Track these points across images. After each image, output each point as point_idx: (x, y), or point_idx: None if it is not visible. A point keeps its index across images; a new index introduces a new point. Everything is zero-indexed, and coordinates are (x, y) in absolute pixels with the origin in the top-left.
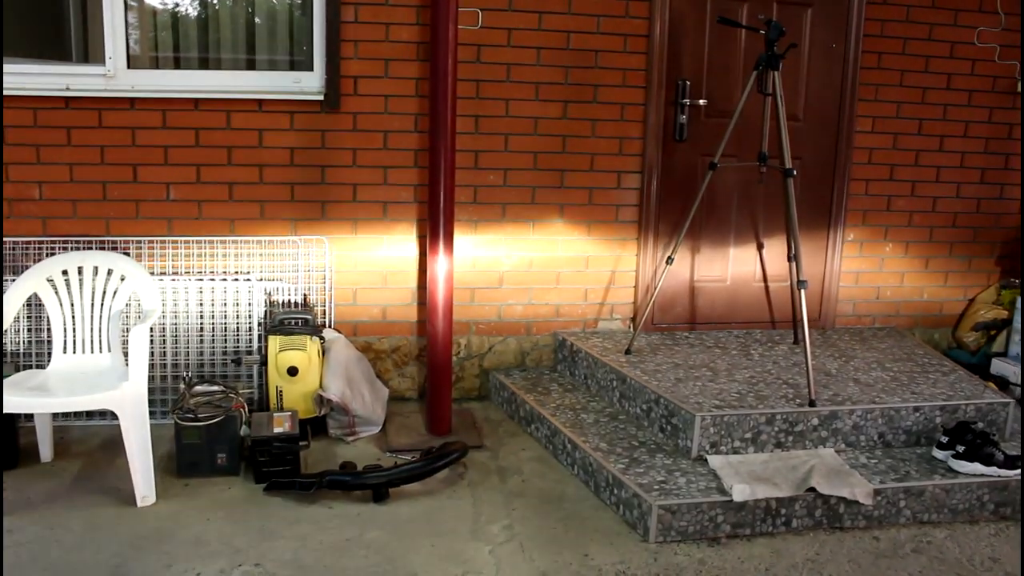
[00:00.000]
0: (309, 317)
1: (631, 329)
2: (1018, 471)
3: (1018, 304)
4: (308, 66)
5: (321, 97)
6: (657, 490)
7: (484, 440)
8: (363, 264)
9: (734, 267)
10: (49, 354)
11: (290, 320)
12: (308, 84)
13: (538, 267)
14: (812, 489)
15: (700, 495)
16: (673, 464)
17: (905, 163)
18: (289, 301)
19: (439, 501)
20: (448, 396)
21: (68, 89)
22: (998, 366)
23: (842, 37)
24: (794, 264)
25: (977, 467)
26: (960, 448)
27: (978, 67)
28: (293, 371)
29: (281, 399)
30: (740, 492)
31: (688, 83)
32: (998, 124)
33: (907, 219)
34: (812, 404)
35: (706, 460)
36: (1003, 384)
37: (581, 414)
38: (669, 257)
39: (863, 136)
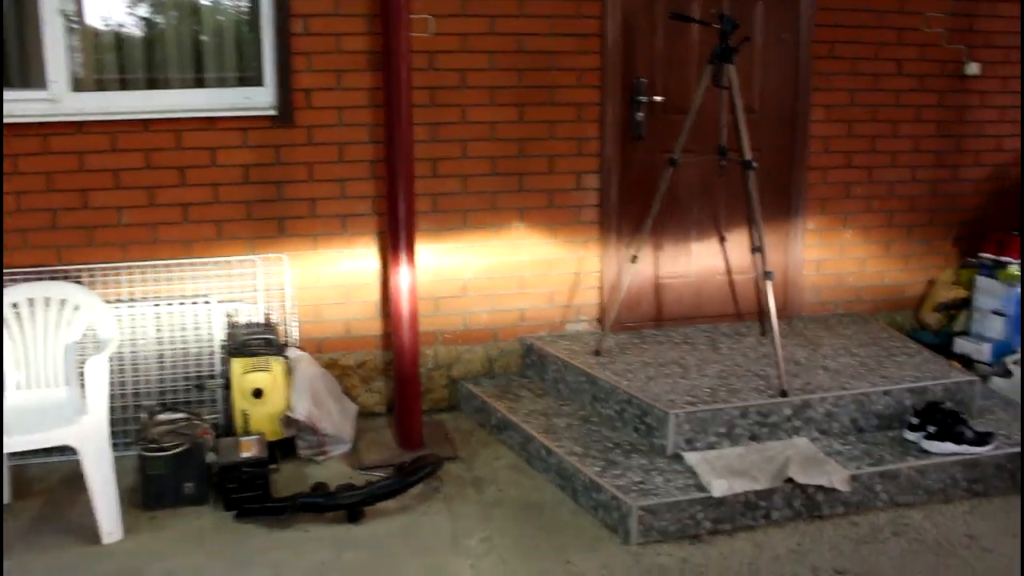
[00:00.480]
0: (272, 337)
1: (598, 330)
2: (988, 447)
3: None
4: (259, 81)
5: (273, 112)
6: (635, 491)
7: (457, 451)
8: (325, 280)
9: (698, 262)
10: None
11: (253, 341)
12: (259, 99)
13: (502, 273)
14: (790, 479)
15: (679, 493)
16: (649, 464)
17: (861, 150)
18: (251, 322)
19: (415, 517)
20: (418, 409)
21: (10, 116)
22: (961, 345)
23: (794, 27)
24: (758, 256)
25: (948, 446)
26: (931, 429)
27: (927, 52)
28: (258, 393)
29: (247, 422)
30: (719, 487)
31: (644, 81)
32: (949, 107)
33: (865, 205)
34: (784, 394)
35: (682, 458)
36: (967, 362)
37: (553, 419)
38: (633, 256)
39: (819, 125)
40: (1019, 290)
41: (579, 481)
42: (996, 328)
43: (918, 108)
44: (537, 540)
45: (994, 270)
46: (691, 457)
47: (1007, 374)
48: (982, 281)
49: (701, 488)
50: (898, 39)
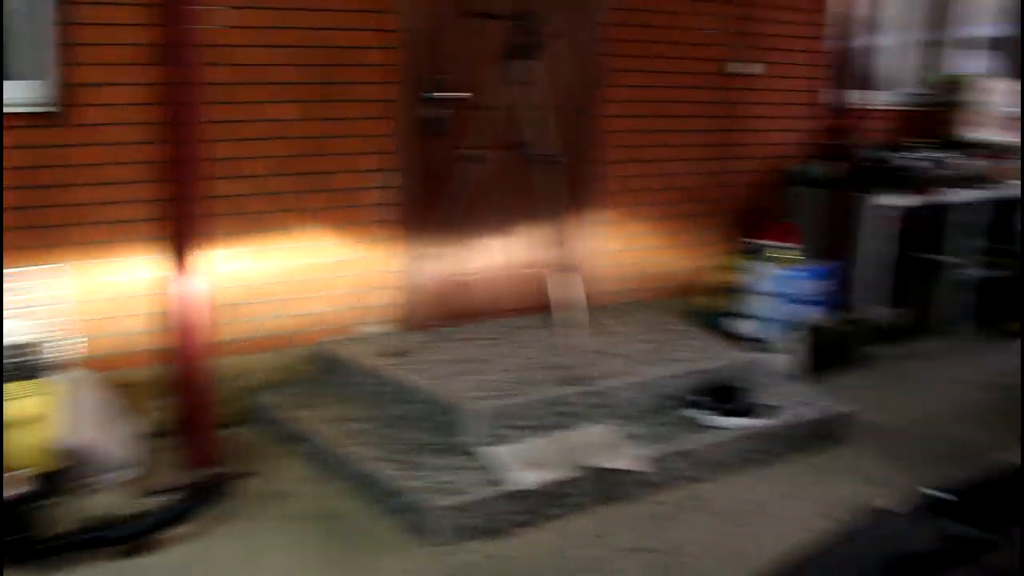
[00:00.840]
0: (46, 357)
1: (398, 331)
2: (769, 419)
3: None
4: (30, 74)
5: (48, 109)
6: (440, 491)
7: (254, 466)
8: (108, 291)
9: (499, 257)
10: None
11: (22, 363)
12: (30, 95)
13: (298, 277)
14: (592, 466)
15: (483, 490)
16: (454, 462)
17: (649, 144)
18: (22, 342)
19: (211, 540)
20: (210, 424)
21: None
22: (736, 324)
23: (589, 24)
24: (556, 250)
25: (735, 421)
26: (718, 406)
27: (709, 51)
28: (27, 421)
29: (14, 456)
30: (522, 480)
31: (447, 77)
32: (723, 103)
33: (652, 197)
34: (583, 383)
35: (486, 453)
36: (742, 340)
37: (354, 425)
38: (432, 254)
39: (611, 120)
40: (784, 271)
41: (382, 486)
42: (767, 308)
43: (701, 104)
44: (340, 550)
45: (763, 254)
46: (494, 452)
47: (780, 350)
48: (753, 264)
49: (506, 482)
50: (684, 39)
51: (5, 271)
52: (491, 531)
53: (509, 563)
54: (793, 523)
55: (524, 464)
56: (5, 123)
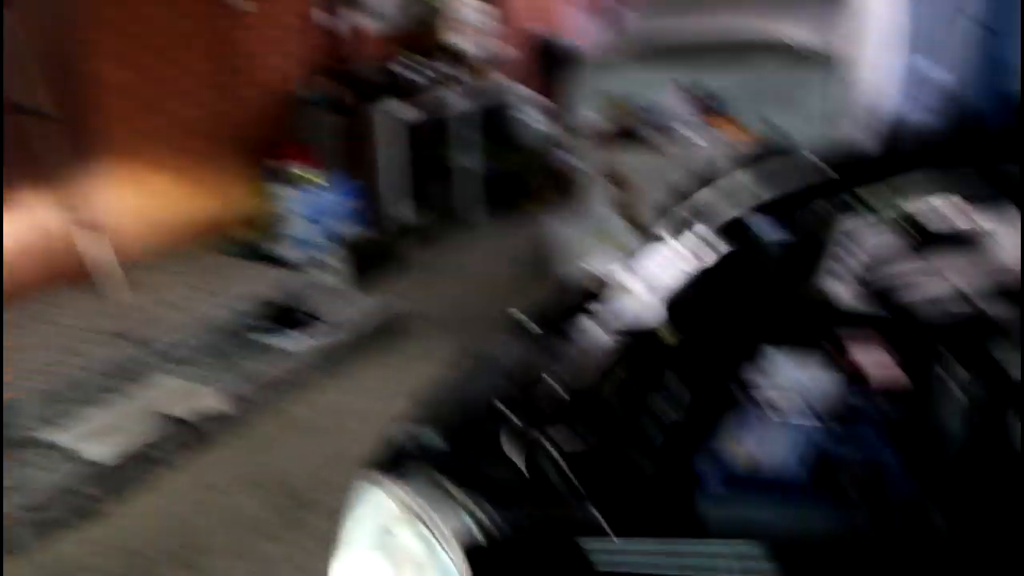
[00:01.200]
0: None
1: None
2: (331, 332)
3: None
4: None
5: None
6: (5, 493)
7: None
8: None
9: (11, 232)
10: None
11: None
12: None
13: None
14: (173, 418)
15: (59, 477)
16: (16, 459)
17: (154, 89)
18: None
19: None
20: None
21: None
22: (279, 250)
23: None
24: (73, 212)
25: (300, 341)
26: (282, 330)
27: None
28: None
29: None
30: (99, 454)
31: None
32: (229, 42)
33: (169, 144)
34: (141, 343)
35: (51, 440)
36: (289, 265)
37: None
38: None
39: (108, 67)
40: (312, 192)
41: None
42: (304, 230)
43: (202, 43)
44: None
45: (290, 178)
46: (59, 436)
47: (325, 267)
48: (283, 190)
49: (83, 463)
50: None
51: None
52: (84, 516)
53: (108, 544)
54: (382, 416)
55: (98, 438)
56: None
